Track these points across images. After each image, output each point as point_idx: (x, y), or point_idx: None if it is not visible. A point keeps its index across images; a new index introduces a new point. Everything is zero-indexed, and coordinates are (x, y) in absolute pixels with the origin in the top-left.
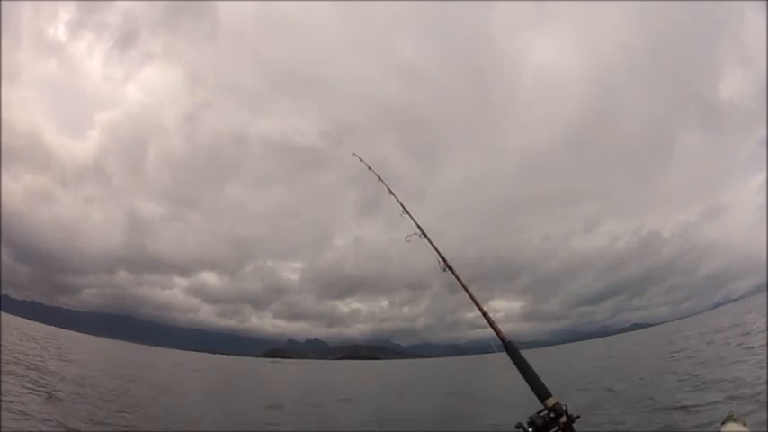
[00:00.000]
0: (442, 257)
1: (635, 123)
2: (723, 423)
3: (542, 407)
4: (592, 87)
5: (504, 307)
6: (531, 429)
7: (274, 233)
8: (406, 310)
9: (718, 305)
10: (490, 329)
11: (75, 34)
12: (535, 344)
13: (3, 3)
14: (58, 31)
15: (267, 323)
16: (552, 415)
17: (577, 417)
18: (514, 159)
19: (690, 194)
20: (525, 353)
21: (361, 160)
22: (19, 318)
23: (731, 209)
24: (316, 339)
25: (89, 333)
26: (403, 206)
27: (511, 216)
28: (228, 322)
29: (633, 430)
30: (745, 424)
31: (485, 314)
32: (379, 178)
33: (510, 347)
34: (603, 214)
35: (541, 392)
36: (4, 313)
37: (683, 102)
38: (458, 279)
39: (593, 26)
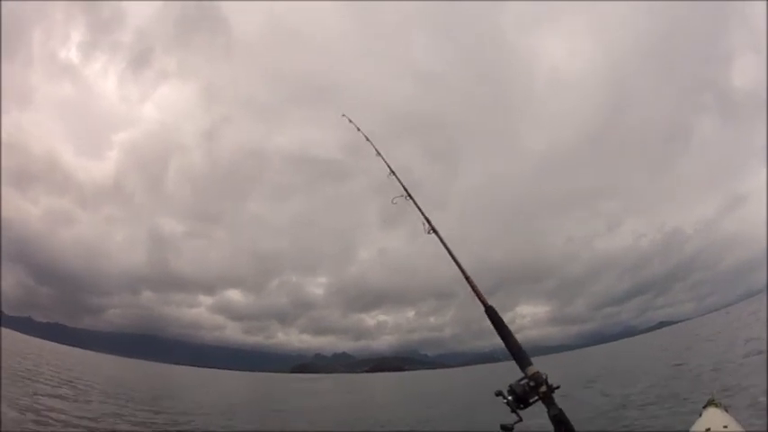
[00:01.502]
0: (426, 219)
1: (650, 117)
2: (704, 407)
3: (523, 375)
4: (605, 82)
5: (531, 312)
6: (510, 397)
7: (298, 247)
8: (432, 319)
9: (741, 298)
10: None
11: (89, 56)
12: (562, 348)
13: (6, 20)
14: (71, 54)
15: (294, 339)
16: (532, 384)
17: (557, 387)
18: (532, 160)
19: (708, 187)
20: (555, 357)
21: (350, 121)
22: (42, 340)
23: (749, 198)
24: (343, 353)
25: (114, 354)
26: (390, 167)
27: (532, 218)
28: (255, 339)
29: None
30: (726, 409)
31: (468, 278)
32: (367, 139)
33: (490, 312)
34: (625, 212)
35: (522, 360)
36: (27, 336)
37: (697, 91)
38: (442, 242)
39: (603, 21)
